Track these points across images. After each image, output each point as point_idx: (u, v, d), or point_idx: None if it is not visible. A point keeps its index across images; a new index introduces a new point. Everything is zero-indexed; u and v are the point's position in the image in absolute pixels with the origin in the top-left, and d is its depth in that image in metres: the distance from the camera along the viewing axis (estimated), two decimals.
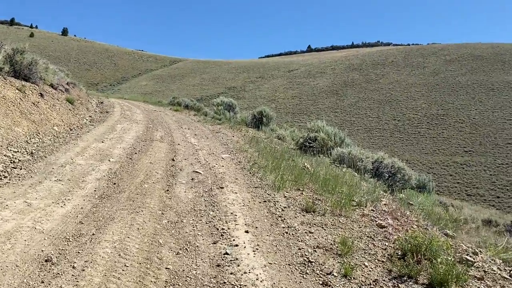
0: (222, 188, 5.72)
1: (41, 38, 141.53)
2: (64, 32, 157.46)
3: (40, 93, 11.81)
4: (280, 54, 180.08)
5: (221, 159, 7.87)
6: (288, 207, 5.15)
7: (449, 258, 3.86)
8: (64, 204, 4.41)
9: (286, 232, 4.25)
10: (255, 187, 5.94)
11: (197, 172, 6.53)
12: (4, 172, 5.46)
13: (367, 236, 4.46)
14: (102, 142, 8.44)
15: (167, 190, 5.43)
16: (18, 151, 6.78)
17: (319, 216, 4.95)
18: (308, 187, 6.27)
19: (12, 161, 6.11)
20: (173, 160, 7.38)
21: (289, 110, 66.96)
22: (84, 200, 4.67)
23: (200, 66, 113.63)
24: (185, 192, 5.46)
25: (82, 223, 3.97)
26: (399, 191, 7.64)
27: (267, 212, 4.85)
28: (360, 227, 4.74)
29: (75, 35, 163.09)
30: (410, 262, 3.70)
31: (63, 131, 9.77)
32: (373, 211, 5.48)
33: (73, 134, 9.34)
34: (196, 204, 4.97)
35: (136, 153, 7.61)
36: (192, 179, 6.14)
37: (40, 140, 7.98)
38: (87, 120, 13.05)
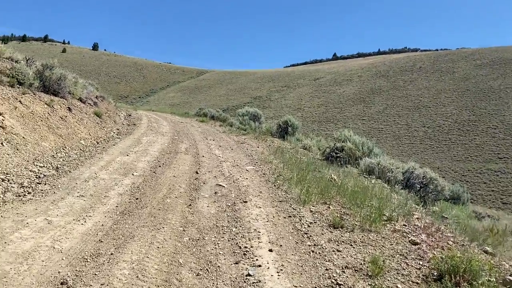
0: (246, 202, 5.55)
1: (73, 53, 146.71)
2: (95, 47, 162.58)
3: (68, 107, 12.03)
4: (305, 63, 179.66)
5: (245, 171, 7.71)
6: (315, 222, 4.91)
7: (492, 280, 3.55)
8: (85, 221, 4.34)
9: (313, 251, 4.02)
10: (280, 201, 5.73)
11: (220, 185, 6.39)
12: (29, 188, 5.47)
13: (400, 254, 4.18)
14: (127, 155, 8.44)
15: (190, 205, 5.30)
16: (44, 166, 6.83)
17: (348, 232, 4.70)
18: (335, 200, 6.01)
19: (37, 176, 6.15)
20: (196, 173, 7.28)
21: (315, 118, 66.44)
22: (105, 216, 4.59)
23: (226, 77, 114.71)
24: (207, 206, 5.32)
25: (102, 241, 3.87)
26: (432, 204, 7.26)
27: (292, 229, 4.63)
28: (392, 244, 4.45)
29: (105, 50, 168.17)
30: (448, 285, 3.40)
31: (90, 144, 9.87)
32: (405, 226, 5.16)
33: (99, 147, 9.40)
34: (218, 220, 4.81)
35: (160, 166, 7.55)
36: (216, 192, 6.00)
37: (66, 154, 8.04)
38: (114, 133, 13.19)
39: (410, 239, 4.66)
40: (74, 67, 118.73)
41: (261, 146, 11.94)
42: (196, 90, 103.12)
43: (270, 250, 3.94)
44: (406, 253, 4.23)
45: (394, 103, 67.07)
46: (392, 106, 66.37)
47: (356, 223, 5.01)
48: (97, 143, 10.40)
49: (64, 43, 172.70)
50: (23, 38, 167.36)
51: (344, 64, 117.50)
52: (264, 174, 7.55)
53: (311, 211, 5.35)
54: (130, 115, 22.14)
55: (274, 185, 6.64)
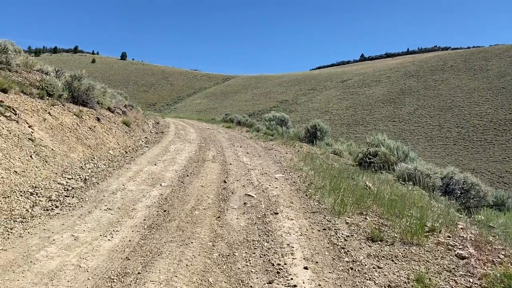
0: (277, 213, 5.30)
1: (102, 63, 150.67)
2: (123, 57, 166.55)
3: (97, 117, 12.12)
4: (332, 65, 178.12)
5: (275, 180, 7.47)
6: (351, 235, 4.60)
7: None
8: (112, 237, 4.20)
9: (351, 268, 3.72)
10: (313, 212, 5.45)
11: (249, 195, 6.17)
12: (57, 201, 5.41)
13: (447, 271, 3.83)
14: (155, 164, 8.35)
15: (218, 217, 5.10)
16: (72, 178, 6.80)
17: (388, 245, 4.37)
18: (372, 210, 5.68)
19: (65, 189, 6.10)
20: (224, 182, 7.09)
21: (343, 121, 65.49)
22: (132, 231, 4.44)
23: (251, 82, 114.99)
24: (237, 219, 5.10)
25: (129, 259, 3.70)
26: (475, 211, 6.79)
27: (328, 243, 4.35)
28: (437, 259, 4.10)
29: (133, 59, 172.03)
30: None
31: (118, 154, 9.86)
32: (450, 238, 4.78)
33: (127, 157, 9.37)
34: (249, 234, 4.58)
35: (188, 176, 7.40)
36: (245, 203, 5.77)
37: (95, 165, 8.02)
38: (142, 141, 13.23)
39: (456, 252, 4.29)
40: (104, 77, 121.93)
41: (289, 152, 11.67)
42: (222, 96, 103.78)
43: (306, 268, 3.67)
44: (454, 269, 3.88)
45: (426, 104, 65.35)
46: (423, 106, 64.67)
47: (396, 235, 4.67)
48: (126, 152, 10.40)
49: (93, 53, 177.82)
50: (54, 50, 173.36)
51: (372, 65, 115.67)
52: (294, 182, 7.29)
53: (347, 223, 5.05)
54: (158, 123, 22.33)
55: (306, 195, 6.36)
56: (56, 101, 10.83)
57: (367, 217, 5.33)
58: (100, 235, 4.22)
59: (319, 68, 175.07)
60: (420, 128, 57.56)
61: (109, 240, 4.12)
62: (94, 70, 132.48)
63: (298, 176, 7.83)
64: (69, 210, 5.02)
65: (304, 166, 8.99)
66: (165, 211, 5.19)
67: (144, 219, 4.82)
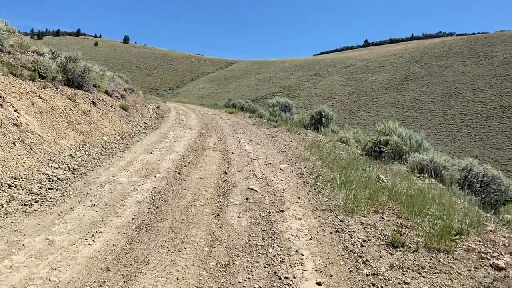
0: (283, 211, 4.72)
1: (105, 46, 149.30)
2: (126, 40, 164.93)
3: (93, 101, 11.52)
4: (335, 50, 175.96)
5: (280, 171, 6.88)
6: (369, 240, 4.02)
7: None
8: (93, 240, 3.63)
9: (373, 284, 3.14)
10: (323, 210, 4.87)
11: (252, 189, 5.59)
12: (38, 194, 4.84)
13: (484, 287, 3.26)
14: (151, 153, 7.77)
15: (217, 215, 4.53)
16: (59, 167, 6.23)
17: (411, 253, 3.80)
18: (388, 207, 5.10)
19: (50, 180, 5.54)
20: (225, 173, 6.51)
21: (346, 107, 64.70)
22: (118, 232, 3.87)
23: (254, 67, 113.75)
24: (238, 217, 4.52)
25: (110, 269, 3.14)
26: (500, 208, 6.23)
27: (343, 249, 3.77)
28: (469, 270, 3.53)
29: (135, 42, 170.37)
30: None
31: (113, 140, 9.28)
32: (480, 242, 4.20)
33: (122, 144, 8.79)
34: (251, 236, 4.01)
35: (185, 166, 6.82)
36: (247, 198, 5.19)
37: (86, 153, 7.45)
38: (140, 127, 12.64)
39: (491, 262, 3.71)
40: (106, 60, 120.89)
41: (294, 139, 11.07)
42: (225, 80, 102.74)
43: (319, 284, 3.09)
44: (491, 283, 3.31)
45: (429, 90, 64.40)
46: (427, 93, 63.75)
47: (419, 239, 4.09)
48: (122, 138, 9.82)
49: (96, 36, 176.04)
50: (57, 33, 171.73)
51: (376, 51, 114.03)
52: (301, 174, 6.69)
53: (362, 224, 4.47)
54: (158, 108, 21.73)
55: (314, 189, 5.77)
56: (49, 83, 10.21)
57: (384, 216, 4.75)
58: (80, 238, 3.66)
59: (323, 53, 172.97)
60: (423, 115, 56.83)
61: (89, 244, 3.55)
62: (97, 53, 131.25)
63: (305, 167, 7.23)
64: (49, 205, 4.45)
65: (311, 155, 8.40)
66: (157, 207, 4.62)
67: (133, 218, 4.25)
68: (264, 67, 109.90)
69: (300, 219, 4.49)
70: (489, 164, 8.03)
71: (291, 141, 10.75)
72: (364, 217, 4.67)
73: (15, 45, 12.05)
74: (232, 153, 8.38)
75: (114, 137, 9.84)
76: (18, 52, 11.79)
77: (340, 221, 4.50)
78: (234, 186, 5.76)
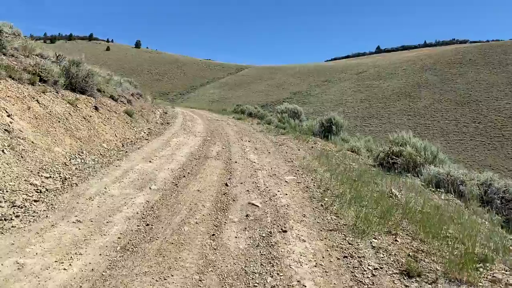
0: (285, 231, 4.27)
1: (116, 51, 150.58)
2: (137, 45, 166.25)
3: (95, 106, 11.22)
4: (347, 57, 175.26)
5: (285, 183, 6.43)
6: (381, 268, 3.56)
7: None
8: (70, 264, 3.23)
9: None
10: (330, 230, 4.40)
11: (253, 204, 5.15)
12: (21, 207, 4.47)
13: None
14: (150, 161, 7.38)
15: (213, 235, 4.09)
16: (50, 177, 5.87)
17: (429, 284, 3.32)
18: (402, 227, 4.62)
19: (38, 191, 5.17)
20: (226, 185, 6.08)
21: (358, 114, 63.93)
22: (100, 254, 3.47)
23: (265, 72, 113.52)
24: (235, 237, 4.09)
25: None
26: None
27: (351, 279, 3.31)
28: None
29: (147, 47, 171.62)
30: None
31: (113, 147, 8.93)
32: (507, 272, 3.72)
33: (121, 151, 8.43)
34: (249, 261, 3.57)
35: (184, 176, 6.41)
36: (247, 215, 4.75)
37: (82, 161, 7.08)
38: (144, 133, 12.31)
39: None
40: (117, 64, 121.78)
41: (302, 148, 10.61)
42: (235, 86, 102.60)
43: None
44: None
45: (442, 98, 63.40)
46: (439, 100, 62.75)
47: (437, 267, 3.62)
48: (122, 145, 9.46)
49: (108, 41, 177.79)
50: (70, 37, 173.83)
51: (388, 57, 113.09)
52: (307, 187, 6.22)
53: (373, 247, 4.00)
54: (166, 113, 21.47)
55: (321, 205, 5.30)
56: (50, 87, 9.94)
57: (397, 238, 4.27)
58: (56, 261, 3.26)
59: (334, 59, 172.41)
60: (435, 123, 55.85)
61: (64, 269, 3.15)
62: (108, 58, 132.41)
63: (312, 179, 6.77)
64: (30, 221, 4.06)
65: (319, 166, 7.93)
66: (147, 225, 4.21)
67: (119, 237, 3.84)
68: (274, 73, 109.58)
69: (304, 241, 4.04)
70: (508, 178, 7.50)
71: (299, 149, 10.30)
72: (375, 239, 4.20)
73: (19, 48, 11.84)
74: (236, 162, 7.96)
75: (115, 143, 9.50)
76: (22, 55, 11.56)
77: (349, 244, 4.03)
78: (234, 200, 5.33)
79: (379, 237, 4.26)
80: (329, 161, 8.48)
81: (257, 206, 5.07)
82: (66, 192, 5.12)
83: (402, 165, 8.21)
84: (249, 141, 11.43)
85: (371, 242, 4.11)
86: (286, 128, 16.15)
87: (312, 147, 11.14)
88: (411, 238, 4.35)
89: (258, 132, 14.49)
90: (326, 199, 5.54)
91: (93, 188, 5.34)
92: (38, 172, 5.90)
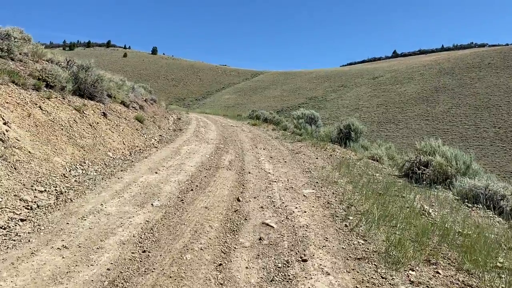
0: (305, 260, 3.62)
1: (133, 57, 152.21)
2: (154, 51, 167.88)
3: (103, 113, 10.77)
4: (363, 61, 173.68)
5: (303, 198, 5.77)
6: None
7: None
8: None
9: None
10: (358, 259, 3.72)
11: (268, 225, 4.50)
12: (4, 229, 3.93)
13: None
14: (156, 172, 6.82)
15: (220, 265, 3.47)
16: (45, 190, 5.34)
17: None
18: (442, 254, 3.92)
19: (28, 207, 4.64)
20: (238, 200, 5.46)
21: (374, 119, 62.80)
22: None
23: (280, 78, 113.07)
24: (246, 268, 3.45)
25: None
26: None
27: None
28: None
29: (163, 53, 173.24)
30: None
31: (120, 156, 8.42)
32: None
33: (127, 161, 7.90)
34: None
35: (192, 190, 5.82)
36: (260, 238, 4.12)
37: (83, 172, 6.56)
38: (155, 140, 11.82)
39: None
40: (134, 71, 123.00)
41: (320, 157, 9.93)
42: (250, 91, 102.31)
43: None
44: None
45: (461, 102, 61.88)
46: (458, 105, 61.24)
47: None
48: (130, 154, 8.95)
49: (125, 48, 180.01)
50: (88, 44, 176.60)
51: (404, 62, 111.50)
52: (328, 203, 5.55)
53: (412, 282, 3.31)
54: (179, 119, 21.05)
55: (346, 225, 4.62)
56: (57, 93, 9.55)
57: (439, 270, 3.58)
58: None
59: (350, 64, 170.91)
60: (454, 128, 54.42)
61: None
62: (125, 64, 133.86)
63: (333, 193, 6.10)
64: (8, 247, 3.51)
65: (340, 177, 7.25)
66: (144, 251, 3.61)
67: (108, 269, 3.25)
68: (290, 78, 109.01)
69: (329, 274, 3.38)
70: None
71: (317, 158, 9.63)
72: (413, 270, 3.52)
73: (29, 53, 11.54)
74: (249, 173, 7.34)
75: (122, 152, 8.99)
76: (31, 60, 11.24)
77: (382, 277, 3.36)
78: (246, 219, 4.70)
79: (417, 268, 3.57)
80: (350, 171, 7.80)
81: (272, 227, 4.43)
82: (58, 209, 4.57)
83: (430, 176, 7.47)
84: (264, 149, 10.80)
85: (408, 275, 3.43)
86: (302, 134, 15.49)
87: (331, 155, 10.45)
88: (455, 269, 3.65)
89: (273, 139, 13.86)
90: (350, 217, 4.87)
91: (88, 204, 4.78)
92: (32, 186, 5.38)
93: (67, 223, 4.12)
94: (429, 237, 4.25)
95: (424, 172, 7.58)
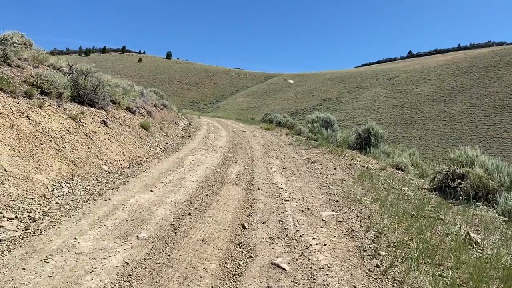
0: None
1: (148, 62, 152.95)
2: (168, 56, 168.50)
3: (103, 121, 10.00)
4: (378, 62, 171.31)
5: (321, 223, 4.82)
6: None
7: None
8: None
9: None
10: None
11: (278, 266, 3.57)
12: None
13: None
14: (151, 191, 5.95)
15: None
16: (16, 217, 4.51)
17: None
18: None
19: None
20: (243, 227, 4.54)
21: (390, 120, 61.26)
22: None
23: (294, 80, 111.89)
24: None
25: None
26: None
27: None
28: None
29: (178, 58, 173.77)
30: None
31: (115, 170, 7.59)
32: None
33: (123, 175, 7.06)
34: None
35: (189, 214, 4.92)
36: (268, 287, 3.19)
37: (69, 191, 5.74)
38: (160, 148, 11.01)
39: None
40: (149, 75, 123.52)
41: (339, 166, 8.94)
42: (264, 94, 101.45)
43: None
44: None
45: (479, 102, 59.92)
46: (476, 105, 59.31)
47: None
48: (129, 166, 8.14)
49: (140, 53, 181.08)
50: (103, 50, 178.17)
51: (420, 62, 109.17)
52: (352, 230, 4.57)
53: None
54: (190, 124, 20.32)
55: (376, 265, 3.65)
56: (52, 100, 8.85)
57: None
58: None
59: (365, 65, 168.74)
60: (473, 128, 52.59)
61: None
62: (140, 69, 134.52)
63: (357, 216, 5.12)
64: None
65: (364, 194, 6.27)
66: None
67: None
68: (304, 80, 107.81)
69: None
70: None
71: (335, 168, 8.65)
72: None
73: (29, 59, 10.89)
74: (259, 189, 6.41)
75: (120, 164, 8.18)
76: (31, 66, 10.58)
77: None
78: (252, 256, 3.77)
79: None
80: (374, 185, 6.81)
81: (284, 269, 3.49)
82: (21, 246, 3.72)
83: (468, 190, 6.44)
84: (276, 158, 9.87)
85: None
86: (318, 139, 14.50)
87: (350, 164, 9.46)
88: None
89: (286, 145, 12.91)
90: (382, 252, 3.89)
91: (59, 238, 3.91)
92: (1, 212, 4.56)
93: (23, 269, 3.25)
94: (486, 280, 3.28)
95: (460, 185, 6.55)
